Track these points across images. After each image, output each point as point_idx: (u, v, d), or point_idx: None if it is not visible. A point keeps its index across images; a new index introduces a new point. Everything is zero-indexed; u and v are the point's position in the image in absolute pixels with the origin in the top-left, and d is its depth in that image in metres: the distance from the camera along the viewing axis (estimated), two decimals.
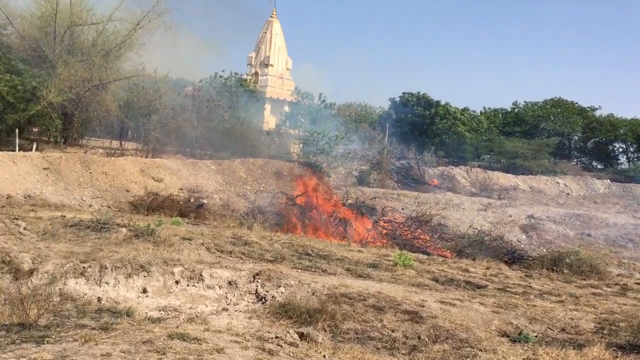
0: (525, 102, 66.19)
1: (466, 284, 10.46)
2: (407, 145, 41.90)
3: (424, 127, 51.35)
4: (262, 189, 23.77)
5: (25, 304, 5.43)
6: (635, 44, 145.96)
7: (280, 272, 8.69)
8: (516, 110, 65.70)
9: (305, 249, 12.07)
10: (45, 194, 17.06)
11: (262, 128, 42.38)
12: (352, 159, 34.78)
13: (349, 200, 22.65)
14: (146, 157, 26.23)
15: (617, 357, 6.08)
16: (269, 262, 9.99)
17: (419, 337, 6.66)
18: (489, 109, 66.94)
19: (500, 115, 65.48)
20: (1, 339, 4.80)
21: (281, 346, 5.60)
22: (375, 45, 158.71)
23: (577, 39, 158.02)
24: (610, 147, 67.27)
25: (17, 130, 24.65)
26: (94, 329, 5.33)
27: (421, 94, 53.29)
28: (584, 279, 12.30)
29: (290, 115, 46.82)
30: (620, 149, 68.11)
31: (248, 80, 47.76)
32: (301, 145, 35.53)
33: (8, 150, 21.34)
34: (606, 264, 15.06)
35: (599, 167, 66.20)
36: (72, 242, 9.50)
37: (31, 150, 23.49)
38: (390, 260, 11.49)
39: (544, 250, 17.94)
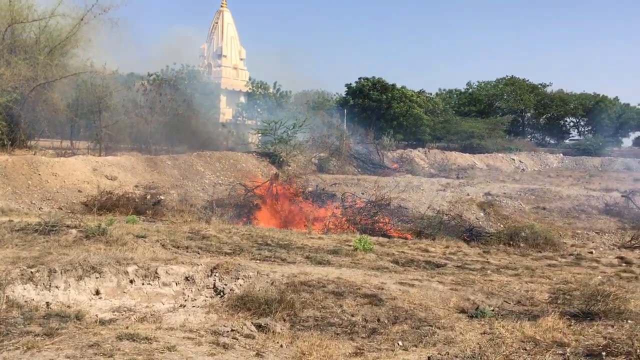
0: (478, 82, 67.45)
1: (426, 264, 10.55)
2: (366, 130, 42.05)
3: (381, 112, 51.56)
4: (220, 181, 23.44)
5: None
6: (583, 20, 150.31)
7: (239, 264, 8.56)
8: (470, 90, 66.83)
9: (265, 239, 11.93)
10: None
11: (218, 120, 41.83)
12: (311, 146, 34.62)
13: (309, 188, 22.60)
14: (99, 156, 25.47)
15: (570, 325, 6.20)
16: (227, 255, 9.82)
17: (378, 320, 6.66)
18: (444, 90, 67.93)
19: (455, 95, 66.57)
20: None
21: (237, 339, 5.48)
22: (329, 33, 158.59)
23: (526, 16, 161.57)
24: (562, 122, 69.34)
25: None
26: (38, 335, 5.09)
27: (376, 78, 53.45)
28: (540, 252, 12.60)
29: (247, 106, 46.34)
30: (572, 123, 70.36)
31: (201, 72, 46.92)
32: (259, 135, 35.19)
33: None
34: (560, 235, 15.46)
35: (552, 142, 68.20)
36: (19, 247, 9.10)
37: None
38: (350, 246, 11.46)
39: (501, 226, 18.30)
